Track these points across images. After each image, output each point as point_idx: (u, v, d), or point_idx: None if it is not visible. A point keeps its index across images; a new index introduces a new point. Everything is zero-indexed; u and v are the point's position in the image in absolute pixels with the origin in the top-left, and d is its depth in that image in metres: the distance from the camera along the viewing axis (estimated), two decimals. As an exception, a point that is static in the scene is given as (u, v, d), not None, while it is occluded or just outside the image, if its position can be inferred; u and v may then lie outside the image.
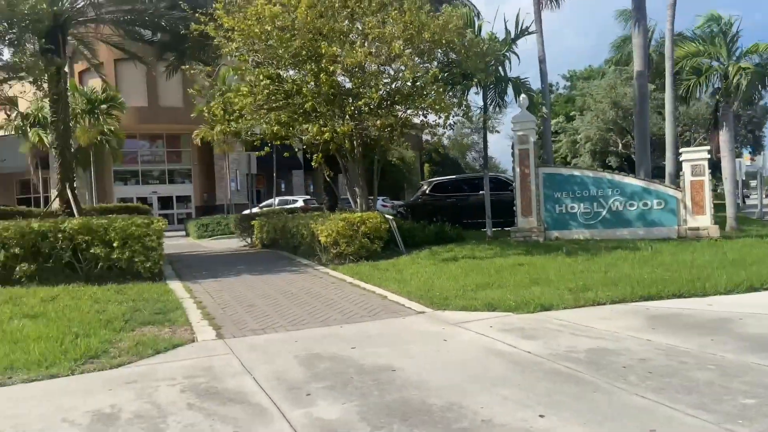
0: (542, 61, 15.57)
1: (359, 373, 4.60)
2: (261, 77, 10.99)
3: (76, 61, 34.39)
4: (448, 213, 16.93)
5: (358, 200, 12.54)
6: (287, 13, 10.56)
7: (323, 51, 10.07)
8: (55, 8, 12.60)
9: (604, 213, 13.23)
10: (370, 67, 11.40)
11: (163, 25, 14.66)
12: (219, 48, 12.97)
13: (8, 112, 31.61)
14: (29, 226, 9.42)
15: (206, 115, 12.44)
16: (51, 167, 35.97)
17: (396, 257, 11.51)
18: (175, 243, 24.78)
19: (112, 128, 29.20)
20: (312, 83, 11.20)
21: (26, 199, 36.16)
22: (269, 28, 10.21)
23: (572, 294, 7.44)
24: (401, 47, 10.24)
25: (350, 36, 11.60)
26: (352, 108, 11.00)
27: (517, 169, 13.34)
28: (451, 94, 12.00)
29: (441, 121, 11.99)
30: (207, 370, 4.83)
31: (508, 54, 13.81)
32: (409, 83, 11.79)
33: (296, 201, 33.89)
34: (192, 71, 13.77)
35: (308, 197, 35.54)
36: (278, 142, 12.63)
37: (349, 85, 12.16)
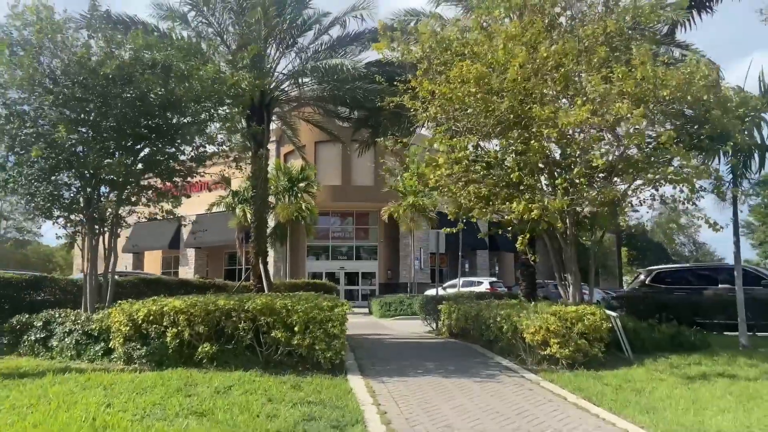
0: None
1: None
2: (459, 147, 9.73)
3: (282, 144, 37.68)
4: (675, 309, 13.80)
5: (570, 290, 10.37)
6: (493, 73, 9.30)
7: (535, 114, 8.50)
8: (262, 85, 12.98)
9: None
10: (589, 132, 9.55)
11: (360, 100, 14.47)
12: (413, 121, 12.19)
13: (216, 189, 35.17)
14: (215, 304, 8.91)
15: (399, 187, 11.37)
16: (254, 241, 39.22)
17: (624, 367, 9.01)
18: (359, 321, 24.23)
19: (308, 205, 30.56)
20: (516, 152, 9.66)
21: (232, 271, 39.36)
22: (473, 90, 8.99)
23: None
24: (629, 107, 8.27)
25: (562, 99, 9.97)
26: (566, 179, 9.15)
27: (790, 259, 10.14)
28: (694, 161, 9.53)
29: (682, 195, 9.53)
30: None
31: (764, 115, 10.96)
32: (635, 149, 9.68)
33: (482, 283, 31.99)
34: (386, 143, 13.06)
35: (495, 279, 33.46)
36: (474, 218, 11.15)
37: (557, 155, 10.43)
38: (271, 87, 14.31)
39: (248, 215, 30.80)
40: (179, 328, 8.79)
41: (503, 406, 6.74)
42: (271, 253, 36.88)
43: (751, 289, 13.57)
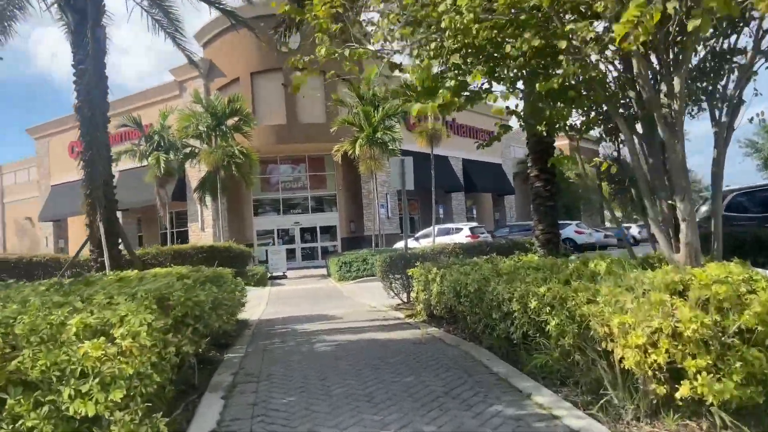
0: None
1: None
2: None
3: (211, 78, 31.04)
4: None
5: (685, 231, 4.81)
6: None
7: None
8: None
9: None
10: None
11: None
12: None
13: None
14: None
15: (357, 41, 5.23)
16: (188, 197, 32.71)
17: None
18: (307, 288, 18.71)
19: (242, 148, 24.40)
20: None
21: (169, 235, 33.02)
22: None
23: None
24: None
25: None
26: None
27: None
28: None
29: None
30: None
31: None
32: None
33: (460, 230, 26.75)
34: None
35: (475, 224, 28.19)
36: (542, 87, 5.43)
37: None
38: None
39: (161, 163, 24.68)
40: None
41: None
42: (209, 212, 30.87)
43: None
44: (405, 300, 11.33)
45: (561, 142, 59.33)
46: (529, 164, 9.57)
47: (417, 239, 25.61)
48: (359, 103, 25.11)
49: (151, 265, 10.25)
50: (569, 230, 26.93)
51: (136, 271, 6.66)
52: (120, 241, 8.52)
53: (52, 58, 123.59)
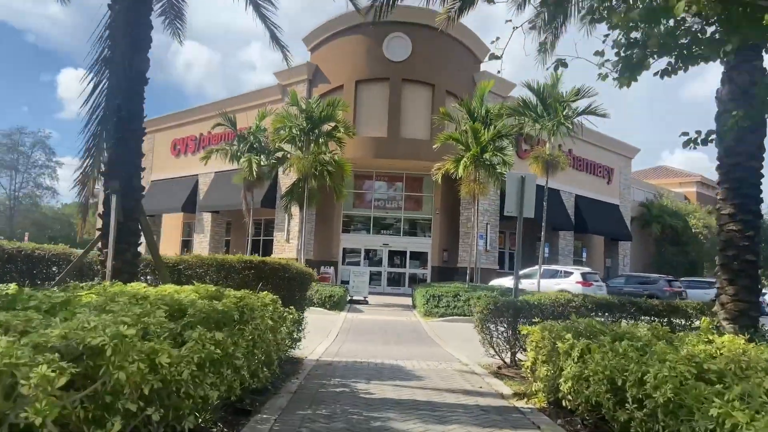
0: None
1: None
2: None
3: (315, 84, 29.70)
4: None
5: None
6: None
7: None
8: None
9: None
10: None
11: None
12: None
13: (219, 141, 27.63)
14: None
15: None
16: (278, 205, 31.34)
17: None
18: (387, 320, 15.94)
19: (335, 157, 22.50)
20: None
21: (256, 242, 31.82)
22: None
23: None
24: None
25: None
26: None
27: None
28: None
29: None
30: None
31: None
32: None
33: (570, 274, 23.26)
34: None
35: (588, 270, 24.48)
36: None
37: None
38: None
39: (254, 165, 23.25)
40: None
41: None
42: (296, 222, 29.25)
43: None
44: (508, 362, 8.47)
45: (670, 181, 52.20)
46: (719, 198, 6.50)
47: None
48: (468, 120, 22.52)
49: (187, 277, 8.14)
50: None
51: (130, 285, 4.42)
52: (141, 242, 6.50)
53: (186, 67, 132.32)
